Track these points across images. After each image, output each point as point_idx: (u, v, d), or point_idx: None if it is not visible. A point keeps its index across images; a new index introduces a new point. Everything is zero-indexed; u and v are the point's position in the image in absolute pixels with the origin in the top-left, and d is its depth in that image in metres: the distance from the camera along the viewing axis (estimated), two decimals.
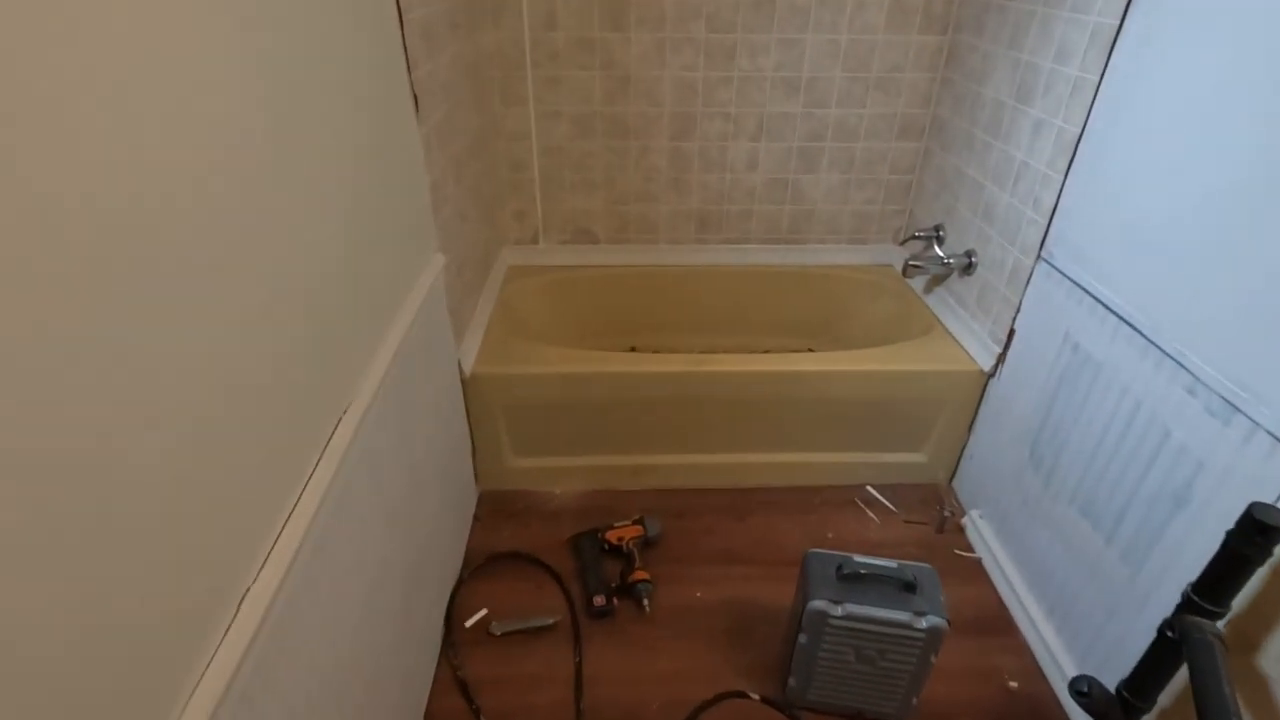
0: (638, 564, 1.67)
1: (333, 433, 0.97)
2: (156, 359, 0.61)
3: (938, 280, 2.03)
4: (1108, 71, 1.34)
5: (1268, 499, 1.01)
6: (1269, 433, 1.00)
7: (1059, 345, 1.48)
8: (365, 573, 1.06)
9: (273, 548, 0.80)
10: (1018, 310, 1.63)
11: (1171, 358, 1.18)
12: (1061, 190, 1.48)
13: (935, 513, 1.87)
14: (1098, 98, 1.37)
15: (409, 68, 1.29)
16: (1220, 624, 1.02)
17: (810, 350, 2.35)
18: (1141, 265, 1.26)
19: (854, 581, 1.24)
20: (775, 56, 1.98)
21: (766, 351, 2.33)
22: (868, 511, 1.89)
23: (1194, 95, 1.15)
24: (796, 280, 2.30)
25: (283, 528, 0.82)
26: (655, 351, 2.31)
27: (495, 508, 1.88)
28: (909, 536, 1.81)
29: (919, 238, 2.05)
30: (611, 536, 1.73)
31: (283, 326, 0.84)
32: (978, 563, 1.74)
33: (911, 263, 1.96)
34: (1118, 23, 1.31)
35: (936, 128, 2.05)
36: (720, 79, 2.01)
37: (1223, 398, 1.07)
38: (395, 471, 1.21)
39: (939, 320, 1.95)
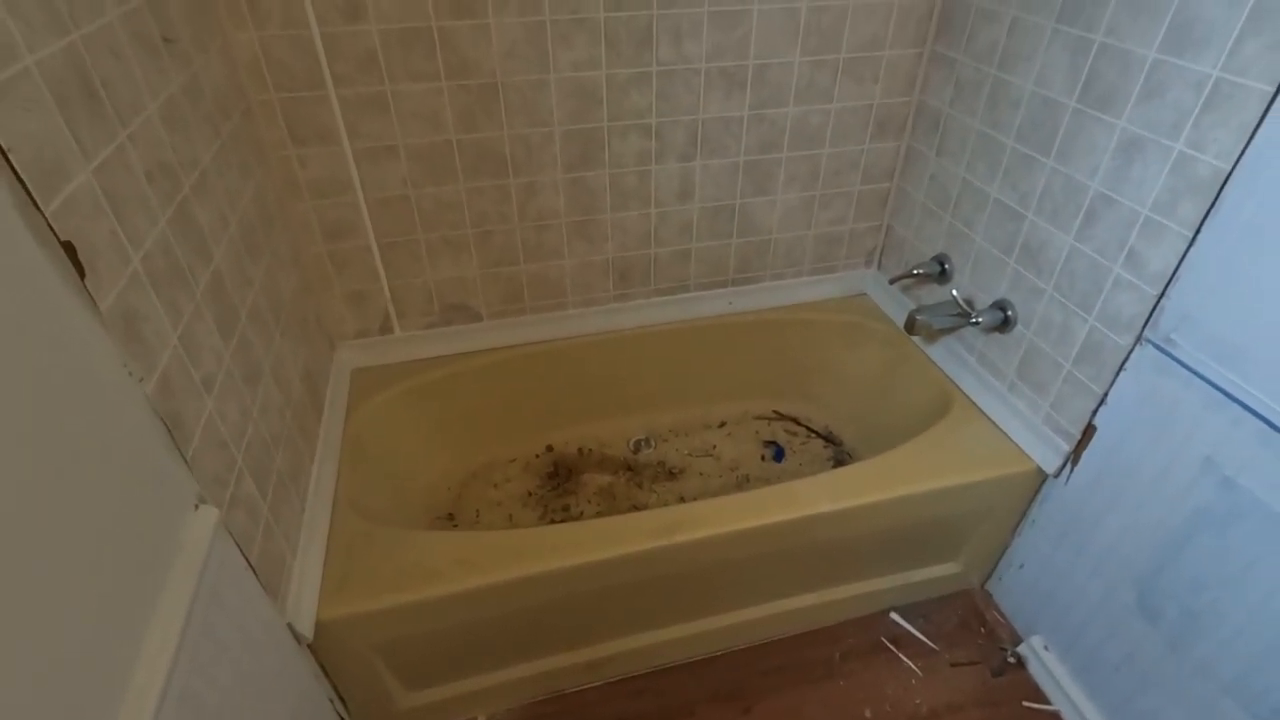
0: None
1: None
2: None
3: (946, 330, 1.54)
4: None
5: None
6: None
7: (1194, 472, 1.03)
8: None
9: None
10: (1101, 401, 1.17)
11: None
12: (1189, 249, 0.99)
13: (985, 645, 1.45)
14: (1269, 120, 0.87)
15: (34, 201, 0.57)
16: None
17: (776, 413, 1.83)
18: None
19: None
20: (710, 39, 1.34)
21: (722, 424, 1.80)
22: (901, 657, 1.43)
23: None
24: (751, 330, 1.75)
25: None
26: (580, 449, 1.72)
27: None
28: (963, 690, 1.38)
29: (916, 274, 1.54)
30: None
31: None
32: (1056, 718, 1.34)
33: (919, 315, 1.45)
34: None
35: (925, 122, 1.52)
36: (633, 77, 1.35)
37: None
38: None
39: (957, 387, 1.48)
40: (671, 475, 1.70)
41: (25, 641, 0.50)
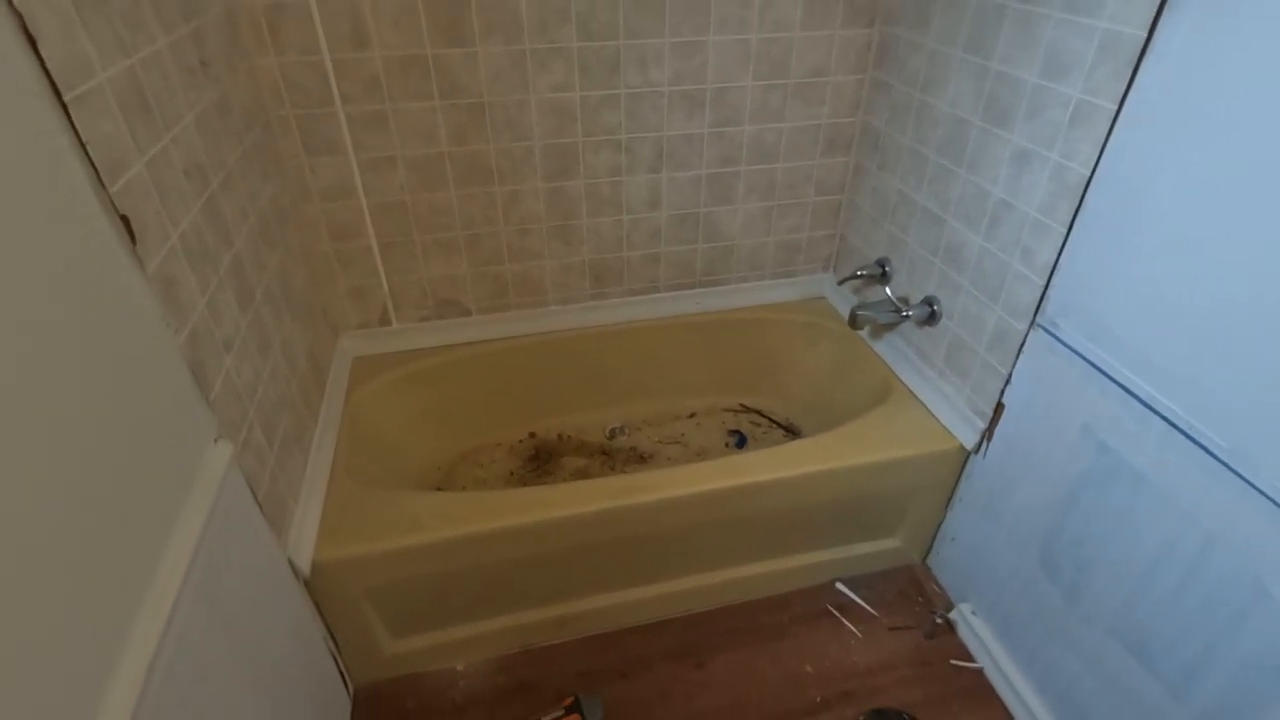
0: None
1: None
2: None
3: (888, 326, 1.70)
4: (1131, 96, 1.01)
5: None
6: None
7: (1076, 439, 1.18)
8: None
9: None
10: (1007, 381, 1.33)
11: (1269, 498, 0.89)
12: (1065, 244, 1.16)
13: (920, 611, 1.58)
14: (1116, 131, 1.04)
15: (100, 180, 0.75)
16: None
17: (743, 405, 1.99)
18: (1212, 370, 0.95)
19: None
20: (671, 66, 1.53)
21: (692, 415, 1.96)
22: (845, 621, 1.57)
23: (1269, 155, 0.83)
24: (718, 328, 1.91)
25: None
26: (559, 436, 1.87)
27: (377, 712, 1.39)
28: (899, 652, 1.51)
29: (861, 275, 1.71)
30: None
31: None
32: (980, 674, 1.47)
33: (860, 311, 1.61)
34: (1144, 34, 0.97)
35: (869, 140, 1.69)
36: (604, 99, 1.54)
37: None
38: None
39: (897, 376, 1.63)
40: (642, 460, 1.86)
41: (79, 531, 0.67)
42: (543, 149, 1.57)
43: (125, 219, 0.78)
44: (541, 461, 1.85)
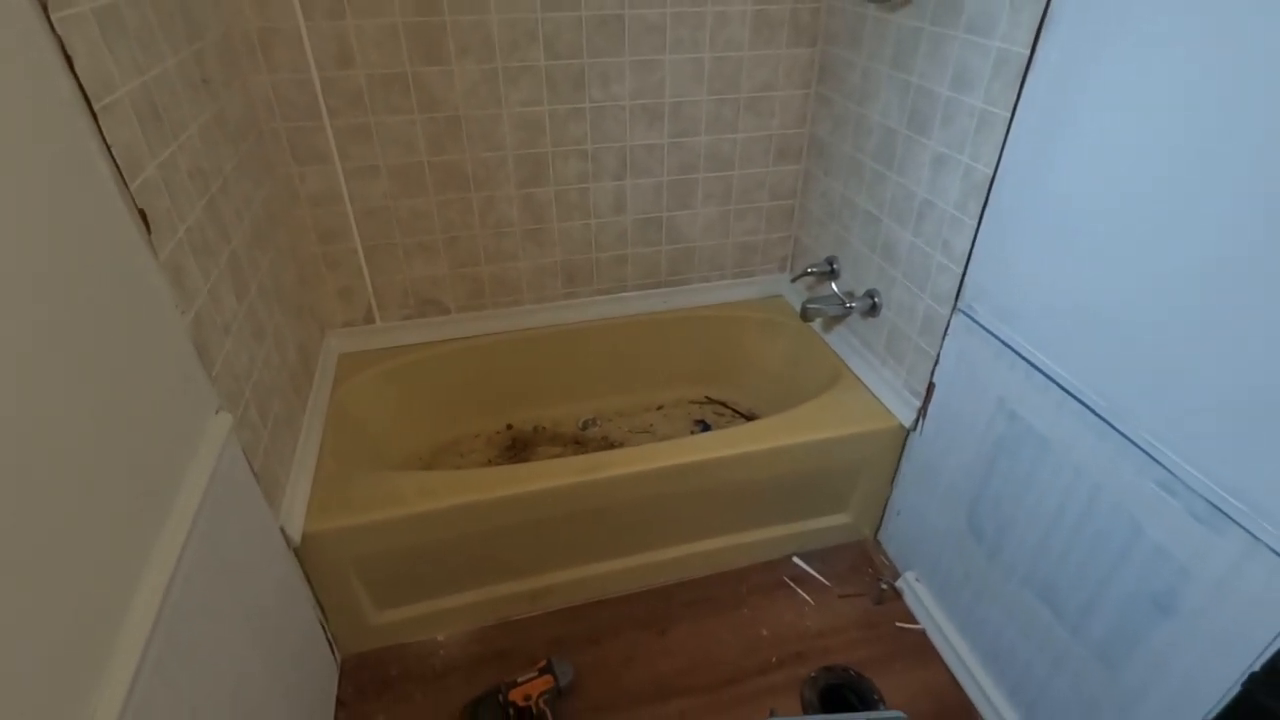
0: None
1: None
2: None
3: (838, 319, 1.84)
4: (1021, 106, 1.16)
5: (1274, 628, 0.87)
6: (1273, 550, 0.86)
7: (991, 410, 1.32)
8: None
9: None
10: (936, 363, 1.47)
11: (1138, 446, 1.03)
12: (976, 237, 1.30)
13: (870, 581, 1.71)
14: (1010, 136, 1.19)
15: (123, 178, 0.87)
16: None
17: (708, 398, 2.12)
18: (1088, 335, 1.10)
19: None
20: (632, 82, 1.67)
21: (660, 407, 2.08)
22: (799, 591, 1.69)
23: (1141, 143, 0.98)
24: (683, 325, 2.05)
25: None
26: (535, 428, 1.99)
27: (363, 680, 1.49)
28: (848, 616, 1.63)
29: (811, 273, 1.85)
30: (516, 696, 1.41)
31: None
32: (922, 634, 1.60)
33: (809, 304, 1.76)
34: (1028, 52, 1.12)
35: (816, 149, 1.85)
36: (570, 112, 1.68)
37: (1210, 503, 0.93)
38: (212, 700, 0.83)
39: (845, 365, 1.77)
40: (613, 449, 1.98)
41: (106, 474, 0.78)
42: (515, 158, 1.71)
43: (142, 212, 0.91)
44: (518, 451, 1.96)
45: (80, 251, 0.77)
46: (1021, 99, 1.15)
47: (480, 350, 1.92)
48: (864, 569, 1.75)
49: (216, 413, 1.06)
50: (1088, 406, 1.11)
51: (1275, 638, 0.86)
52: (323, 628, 1.44)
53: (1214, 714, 0.92)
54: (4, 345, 0.63)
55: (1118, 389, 1.06)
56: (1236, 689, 0.89)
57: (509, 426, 2.03)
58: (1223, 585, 0.93)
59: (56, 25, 0.77)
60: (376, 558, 1.42)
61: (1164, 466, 0.99)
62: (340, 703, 1.45)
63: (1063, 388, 1.15)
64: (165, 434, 0.91)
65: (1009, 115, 1.18)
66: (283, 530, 1.26)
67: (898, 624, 1.62)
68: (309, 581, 1.38)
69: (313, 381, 1.65)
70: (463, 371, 1.92)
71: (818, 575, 1.73)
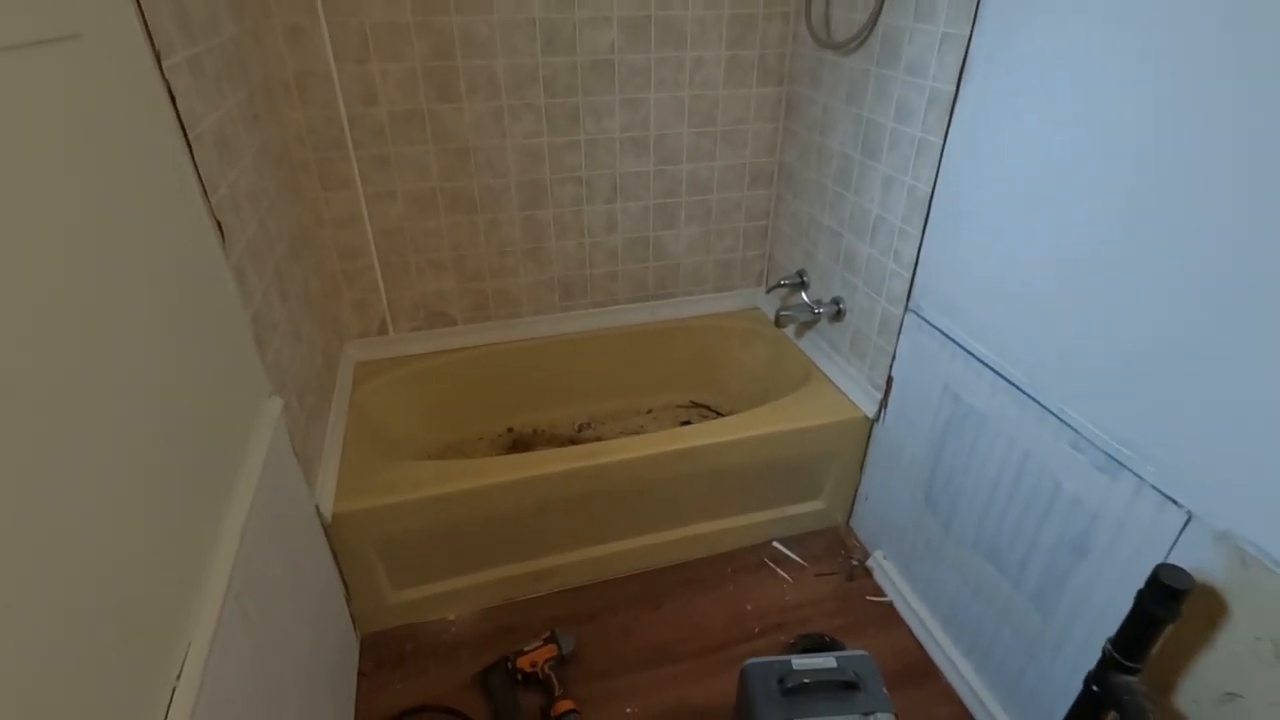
0: (558, 691, 1.51)
1: (187, 654, 0.75)
2: None
3: (808, 325, 2.05)
4: (950, 134, 1.38)
5: (1160, 552, 1.06)
6: (1156, 489, 1.06)
7: (939, 396, 1.52)
8: None
9: None
10: (893, 358, 1.67)
11: (1053, 414, 1.22)
12: (921, 245, 1.52)
13: (843, 561, 1.88)
14: (944, 159, 1.41)
15: (206, 195, 1.05)
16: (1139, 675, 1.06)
17: (693, 403, 2.31)
18: (1011, 323, 1.30)
19: (797, 694, 1.18)
20: (621, 117, 1.89)
21: (649, 411, 2.26)
22: (779, 571, 1.86)
23: (1037, 161, 1.20)
24: (670, 335, 2.24)
25: None
26: (535, 430, 2.16)
27: (381, 655, 1.63)
28: (823, 590, 1.80)
29: (784, 285, 2.06)
30: (524, 663, 1.56)
31: (105, 550, 0.61)
32: (890, 606, 1.76)
33: (782, 312, 1.96)
34: (953, 89, 1.35)
35: (785, 175, 2.07)
36: (566, 144, 1.89)
37: (1107, 454, 1.12)
38: (266, 653, 0.98)
39: (816, 366, 1.97)
40: None
41: (196, 431, 0.95)
42: (517, 184, 1.91)
43: (219, 223, 1.09)
44: (518, 452, 2.13)
45: (180, 252, 0.95)
46: (951, 128, 1.38)
47: (484, 359, 2.09)
48: (837, 551, 1.92)
49: (270, 396, 1.23)
50: (1014, 384, 1.30)
51: (1162, 559, 1.05)
52: (346, 604, 1.58)
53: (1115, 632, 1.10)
54: (133, 327, 0.80)
55: (1035, 367, 1.26)
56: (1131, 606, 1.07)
57: (510, 429, 2.19)
58: (1122, 524, 1.12)
59: (166, 71, 0.96)
60: (395, 539, 1.57)
61: (1073, 429, 1.19)
62: (361, 674, 1.59)
63: (994, 370, 1.35)
64: (236, 405, 1.08)
65: (941, 142, 1.40)
66: (317, 509, 1.42)
67: (868, 597, 1.79)
68: (336, 561, 1.53)
69: (335, 385, 1.81)
70: (468, 378, 2.09)
71: (796, 557, 1.90)
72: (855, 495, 1.94)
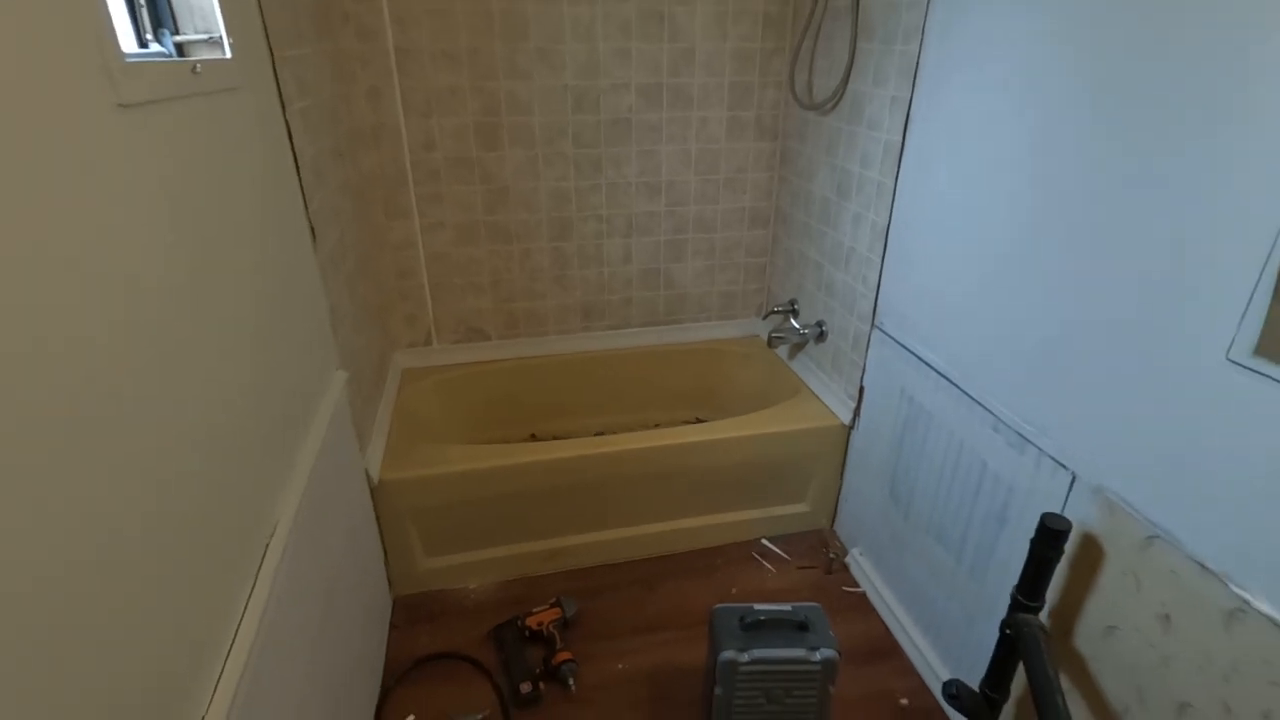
0: (559, 645, 1.73)
1: (261, 561, 1.02)
2: (84, 503, 0.67)
3: (798, 348, 2.31)
4: (900, 176, 1.67)
5: (1055, 510, 1.27)
6: (1051, 458, 1.27)
7: (898, 399, 1.75)
8: (293, 699, 1.08)
9: (216, 685, 0.83)
10: (864, 370, 1.91)
11: (979, 403, 1.45)
12: (881, 269, 1.78)
13: (823, 557, 2.08)
14: (896, 196, 1.69)
15: (305, 204, 1.40)
16: (1042, 616, 1.25)
17: (698, 419, 2.56)
18: (947, 330, 1.55)
19: (755, 630, 1.39)
20: (636, 165, 2.23)
21: (657, 425, 2.51)
22: (764, 563, 2.06)
23: (960, 191, 1.47)
24: (677, 356, 2.52)
25: (224, 664, 0.86)
26: (554, 437, 2.43)
27: (411, 613, 1.88)
28: (803, 581, 2.00)
29: (777, 312, 2.33)
30: (531, 622, 1.79)
31: (202, 460, 0.90)
32: (862, 596, 1.95)
33: (774, 334, 2.23)
34: (900, 139, 1.64)
35: (780, 217, 2.37)
36: (590, 186, 2.23)
37: (1017, 432, 1.35)
38: (317, 593, 1.24)
39: (804, 382, 2.22)
40: None
41: (286, 392, 1.26)
42: (548, 220, 2.25)
43: (313, 227, 1.43)
44: None
45: (287, 241, 1.28)
46: (901, 170, 1.66)
47: (513, 371, 2.39)
48: (820, 550, 2.12)
49: (337, 370, 1.54)
50: (951, 381, 1.54)
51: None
52: (385, 566, 1.85)
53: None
54: (260, 291, 1.13)
55: (964, 363, 1.50)
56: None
57: (533, 436, 2.47)
58: (1030, 491, 1.33)
59: (288, 116, 1.32)
60: (430, 510, 1.84)
61: (993, 414, 1.41)
62: (393, 625, 1.84)
63: (936, 370, 1.59)
64: (314, 369, 1.39)
65: (894, 182, 1.69)
66: (366, 473, 1.71)
67: (844, 588, 1.98)
68: (379, 524, 1.81)
69: (385, 384, 2.13)
70: (498, 387, 2.39)
71: (781, 553, 2.10)
72: (838, 500, 2.15)
